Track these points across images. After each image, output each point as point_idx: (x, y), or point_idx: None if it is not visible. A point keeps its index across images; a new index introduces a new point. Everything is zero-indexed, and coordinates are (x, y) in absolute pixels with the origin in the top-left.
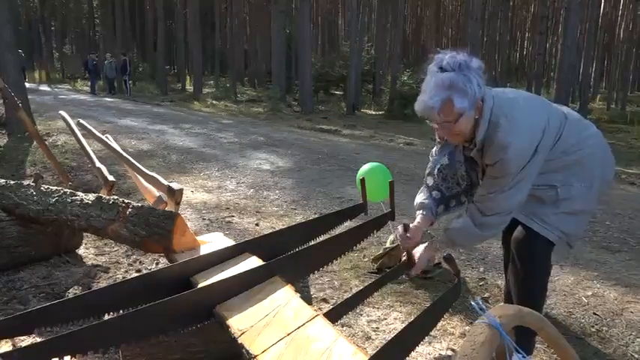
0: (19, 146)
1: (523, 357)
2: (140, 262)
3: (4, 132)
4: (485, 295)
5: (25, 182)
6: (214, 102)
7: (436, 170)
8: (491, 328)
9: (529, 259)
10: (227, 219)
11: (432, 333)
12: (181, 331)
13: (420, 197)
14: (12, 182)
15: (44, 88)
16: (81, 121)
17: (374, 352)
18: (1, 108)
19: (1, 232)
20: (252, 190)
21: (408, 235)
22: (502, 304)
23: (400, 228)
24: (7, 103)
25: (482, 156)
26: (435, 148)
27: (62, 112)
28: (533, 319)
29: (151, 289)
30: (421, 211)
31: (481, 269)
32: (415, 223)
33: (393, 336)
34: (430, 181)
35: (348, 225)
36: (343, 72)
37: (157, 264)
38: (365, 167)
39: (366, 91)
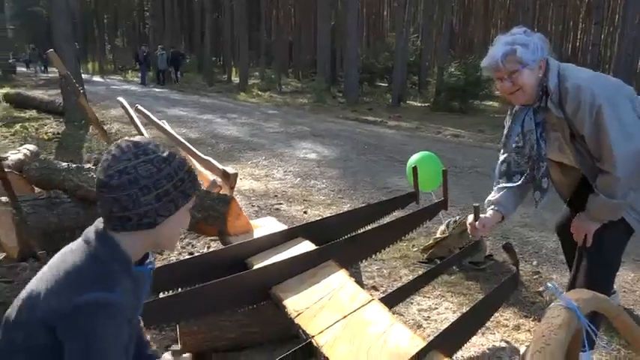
0: (75, 134)
1: (604, 346)
2: (192, 245)
3: (62, 120)
4: (540, 289)
5: (86, 166)
6: (259, 93)
7: (512, 142)
8: (569, 311)
9: (599, 242)
10: (275, 206)
11: (485, 324)
12: (238, 310)
13: (491, 195)
14: (73, 165)
15: (97, 79)
16: (139, 106)
17: (431, 337)
18: (59, 98)
19: (63, 213)
20: (299, 178)
21: (477, 224)
22: (577, 289)
23: (470, 217)
24: (69, 89)
25: (566, 117)
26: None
27: (120, 99)
28: (609, 306)
29: (207, 270)
30: (492, 207)
31: (535, 262)
32: (487, 215)
33: (452, 322)
34: (503, 154)
35: (397, 214)
36: (388, 63)
37: (208, 248)
38: (416, 156)
39: (412, 83)
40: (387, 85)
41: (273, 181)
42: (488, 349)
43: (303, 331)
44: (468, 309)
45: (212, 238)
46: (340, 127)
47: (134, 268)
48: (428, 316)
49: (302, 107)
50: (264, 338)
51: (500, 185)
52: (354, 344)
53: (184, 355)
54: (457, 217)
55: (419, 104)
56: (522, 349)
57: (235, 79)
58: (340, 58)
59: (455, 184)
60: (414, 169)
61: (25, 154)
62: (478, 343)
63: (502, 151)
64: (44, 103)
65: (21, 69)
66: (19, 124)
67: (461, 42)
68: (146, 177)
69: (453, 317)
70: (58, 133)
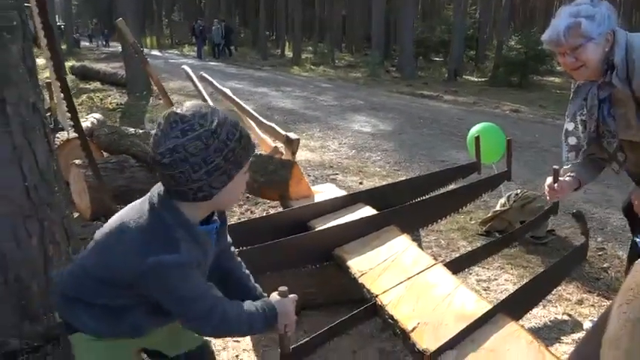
0: (137, 104)
1: None
2: (251, 211)
3: (124, 91)
4: (605, 266)
5: (153, 131)
6: (313, 67)
7: (578, 117)
8: None
9: None
10: (331, 176)
11: (547, 297)
12: (301, 269)
13: (565, 165)
14: (140, 131)
15: (155, 52)
16: (203, 74)
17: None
18: (121, 70)
19: (132, 176)
20: (353, 150)
21: (555, 186)
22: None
23: (549, 179)
24: (136, 57)
25: (632, 92)
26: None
27: (185, 67)
28: None
29: (270, 231)
30: (569, 173)
31: (599, 239)
32: (565, 179)
33: (518, 287)
34: (570, 126)
35: (454, 186)
36: (444, 37)
37: (266, 214)
38: (478, 126)
39: (468, 58)
40: (442, 59)
41: (328, 152)
42: (550, 321)
43: (368, 290)
44: (534, 276)
45: (271, 204)
46: (395, 101)
47: (199, 228)
48: (487, 287)
49: (356, 81)
50: (323, 299)
51: (572, 158)
52: (418, 304)
53: (291, 296)
54: (518, 191)
55: (475, 79)
56: (586, 324)
57: (288, 54)
58: (394, 32)
59: (515, 159)
60: (477, 138)
61: (92, 122)
62: (540, 315)
63: (568, 121)
64: (107, 75)
65: (84, 43)
66: (85, 95)
67: (522, 14)
68: (195, 154)
69: (512, 289)
70: (122, 104)
